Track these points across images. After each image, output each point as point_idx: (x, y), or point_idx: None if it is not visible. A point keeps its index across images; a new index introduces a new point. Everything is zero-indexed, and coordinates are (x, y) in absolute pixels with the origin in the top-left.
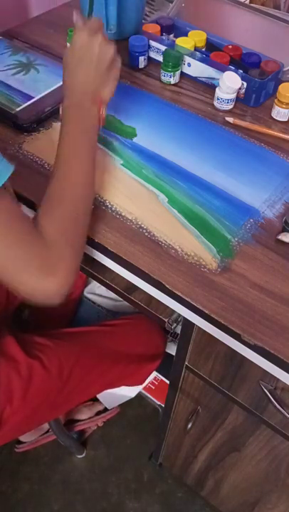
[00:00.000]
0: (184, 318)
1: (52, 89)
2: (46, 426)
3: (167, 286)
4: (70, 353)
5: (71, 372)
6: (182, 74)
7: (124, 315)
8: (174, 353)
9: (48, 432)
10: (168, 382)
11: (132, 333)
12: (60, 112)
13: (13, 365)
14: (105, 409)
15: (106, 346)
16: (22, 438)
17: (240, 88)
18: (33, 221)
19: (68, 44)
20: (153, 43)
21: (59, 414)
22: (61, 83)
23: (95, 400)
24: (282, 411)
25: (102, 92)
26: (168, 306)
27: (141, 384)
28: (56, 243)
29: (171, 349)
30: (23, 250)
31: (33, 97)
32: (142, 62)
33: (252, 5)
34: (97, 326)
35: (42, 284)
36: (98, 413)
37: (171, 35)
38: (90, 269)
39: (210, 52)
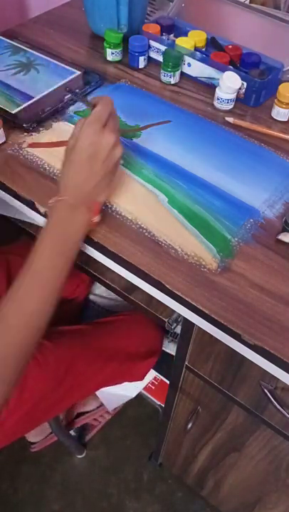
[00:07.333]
0: (184, 318)
1: (52, 89)
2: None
3: (167, 286)
4: (66, 352)
5: (67, 371)
6: (182, 74)
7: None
8: (174, 353)
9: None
10: (168, 382)
11: (127, 330)
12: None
13: None
14: None
15: (101, 343)
16: (32, 439)
17: (240, 88)
18: None
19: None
20: (153, 43)
21: (57, 413)
22: (61, 83)
23: None
24: (282, 411)
25: (99, 197)
26: (168, 306)
27: (140, 380)
28: None
29: (171, 349)
30: None
31: (33, 97)
32: (142, 62)
33: (252, 5)
34: (93, 323)
35: None
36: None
37: (171, 35)
38: (90, 269)
39: (213, 50)
